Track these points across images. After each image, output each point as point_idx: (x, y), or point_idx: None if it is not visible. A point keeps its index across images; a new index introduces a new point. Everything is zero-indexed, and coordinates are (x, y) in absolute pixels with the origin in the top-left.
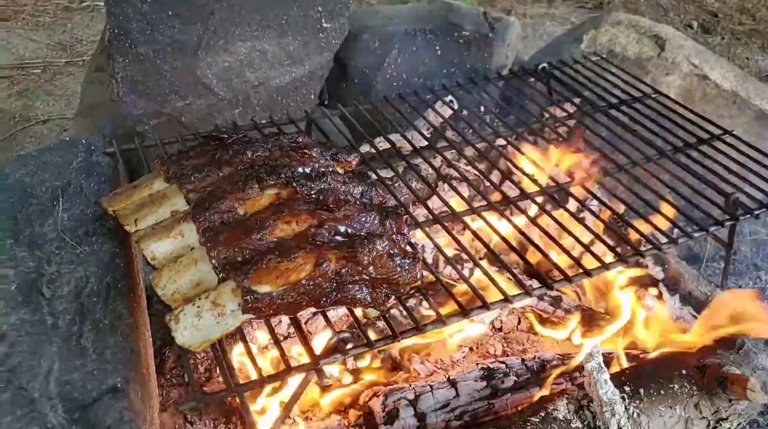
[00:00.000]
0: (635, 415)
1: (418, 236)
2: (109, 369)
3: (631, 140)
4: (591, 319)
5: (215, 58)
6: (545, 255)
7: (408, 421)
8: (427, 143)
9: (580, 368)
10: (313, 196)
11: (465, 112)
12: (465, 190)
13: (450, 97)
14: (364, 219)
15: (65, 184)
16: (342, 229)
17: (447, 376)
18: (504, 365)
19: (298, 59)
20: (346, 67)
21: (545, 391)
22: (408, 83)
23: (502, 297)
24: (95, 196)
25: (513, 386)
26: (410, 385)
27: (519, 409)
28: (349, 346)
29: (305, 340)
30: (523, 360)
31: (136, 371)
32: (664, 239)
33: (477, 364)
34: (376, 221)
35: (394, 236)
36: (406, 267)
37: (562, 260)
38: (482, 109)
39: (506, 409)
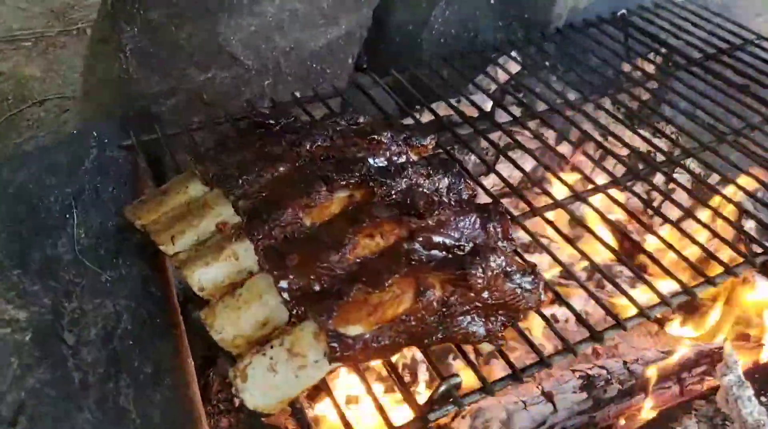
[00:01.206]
0: None
1: None
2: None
3: (731, 101)
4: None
5: (240, 21)
6: (684, 258)
7: None
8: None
9: (689, 367)
10: (394, 197)
11: (526, 72)
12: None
13: (514, 52)
14: (462, 224)
15: (77, 190)
16: (437, 240)
17: (541, 388)
18: (605, 371)
19: (332, 18)
20: (385, 24)
21: (650, 401)
22: (458, 41)
23: (637, 311)
24: (115, 204)
25: (617, 394)
26: (500, 402)
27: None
28: (462, 392)
29: (406, 388)
30: (624, 362)
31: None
32: None
33: (573, 371)
34: (477, 226)
35: (500, 244)
36: (528, 287)
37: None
38: (547, 64)
39: (608, 421)
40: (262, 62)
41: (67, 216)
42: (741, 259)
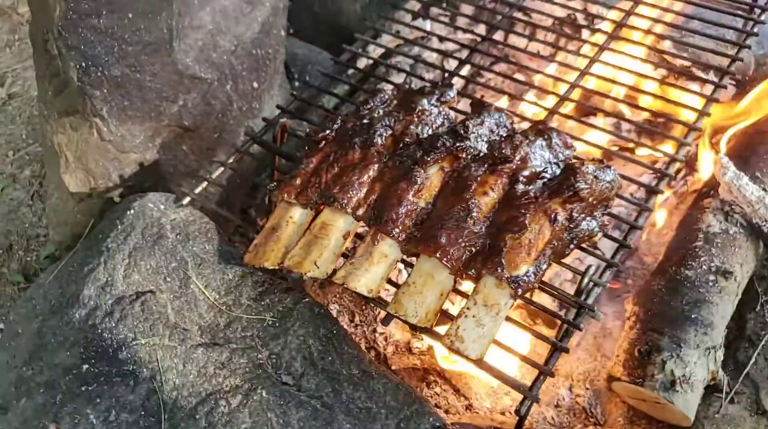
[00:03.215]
0: None
1: None
2: (399, 408)
3: None
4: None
5: (188, 41)
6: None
7: None
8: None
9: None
10: (472, 152)
11: None
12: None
13: None
14: (537, 152)
15: (180, 260)
16: (531, 172)
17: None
18: (621, 207)
19: (257, 1)
20: None
21: (662, 212)
22: None
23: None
24: (221, 258)
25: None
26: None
27: (672, 240)
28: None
29: (559, 291)
30: (631, 194)
31: (416, 393)
32: None
33: None
34: (545, 146)
35: (567, 152)
36: (611, 177)
37: None
38: None
39: (636, 243)
40: (218, 70)
41: (191, 287)
42: None
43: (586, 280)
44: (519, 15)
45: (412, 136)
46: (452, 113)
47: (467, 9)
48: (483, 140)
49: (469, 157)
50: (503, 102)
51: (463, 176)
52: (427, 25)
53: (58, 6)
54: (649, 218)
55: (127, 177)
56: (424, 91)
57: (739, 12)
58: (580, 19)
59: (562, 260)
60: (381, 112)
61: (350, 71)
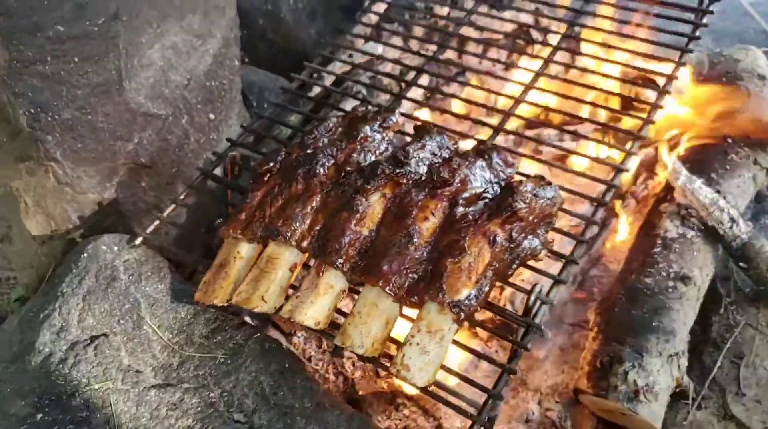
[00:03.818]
0: (724, 198)
1: None
2: None
3: None
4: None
5: (138, 80)
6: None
7: (542, 310)
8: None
9: (633, 182)
10: (413, 177)
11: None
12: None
13: None
14: (477, 173)
15: (133, 302)
16: (471, 194)
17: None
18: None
19: (207, 34)
20: (247, 13)
21: (623, 218)
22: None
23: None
24: (174, 297)
25: (598, 232)
26: (523, 280)
27: (632, 247)
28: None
29: (505, 311)
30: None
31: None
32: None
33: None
34: (485, 168)
35: (508, 172)
36: (551, 195)
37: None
38: None
39: (599, 252)
40: (172, 106)
41: (143, 328)
42: None
43: (532, 298)
44: (470, 32)
45: (355, 165)
46: (395, 139)
47: (419, 31)
48: (424, 164)
49: (410, 182)
50: (452, 123)
51: (404, 202)
52: (379, 48)
53: (1, 56)
54: (610, 226)
55: (87, 217)
56: (367, 117)
57: (685, 17)
58: (535, 33)
59: (511, 279)
60: (325, 141)
61: (302, 99)
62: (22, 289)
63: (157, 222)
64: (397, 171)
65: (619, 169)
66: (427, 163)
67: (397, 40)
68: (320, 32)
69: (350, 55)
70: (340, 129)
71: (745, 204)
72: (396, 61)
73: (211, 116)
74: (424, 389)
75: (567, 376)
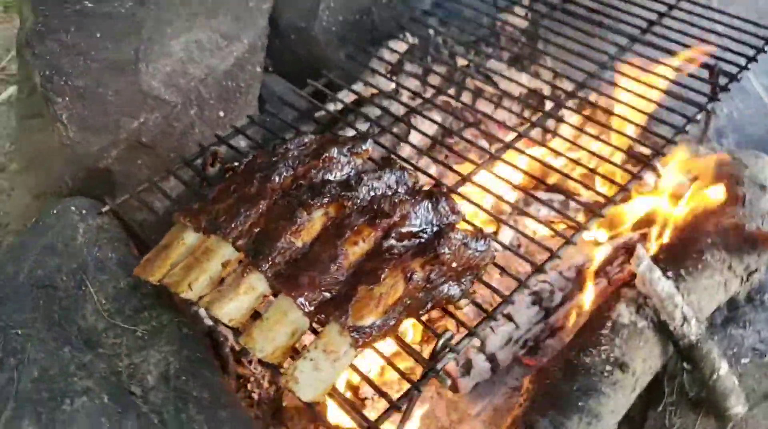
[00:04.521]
0: (686, 295)
1: None
2: None
3: (596, 32)
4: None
5: (155, 65)
6: (586, 185)
7: (482, 366)
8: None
9: (610, 262)
10: (360, 203)
11: (416, 41)
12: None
13: (404, 32)
14: (419, 212)
15: (81, 263)
16: (406, 230)
17: (502, 313)
18: (547, 284)
19: (234, 37)
20: (278, 25)
21: (590, 295)
22: (347, 25)
23: (563, 240)
24: (121, 267)
25: (560, 301)
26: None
27: (583, 326)
28: (455, 340)
29: (412, 349)
30: (560, 273)
31: None
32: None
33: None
34: (430, 209)
35: (452, 218)
36: (483, 249)
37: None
38: (431, 32)
39: (559, 323)
40: (184, 95)
41: (83, 288)
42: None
43: (440, 343)
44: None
45: (309, 180)
46: (363, 166)
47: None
48: (374, 193)
49: (355, 207)
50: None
51: (342, 224)
52: (391, 86)
53: (30, 18)
54: (574, 300)
55: (79, 181)
56: (339, 140)
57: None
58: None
59: (427, 322)
60: (295, 153)
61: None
62: (11, 237)
63: (127, 196)
64: (344, 193)
65: (567, 241)
66: (379, 193)
67: (412, 82)
68: (349, 57)
69: (365, 84)
70: (313, 146)
71: (711, 308)
72: (402, 103)
73: (221, 114)
74: (309, 406)
75: None
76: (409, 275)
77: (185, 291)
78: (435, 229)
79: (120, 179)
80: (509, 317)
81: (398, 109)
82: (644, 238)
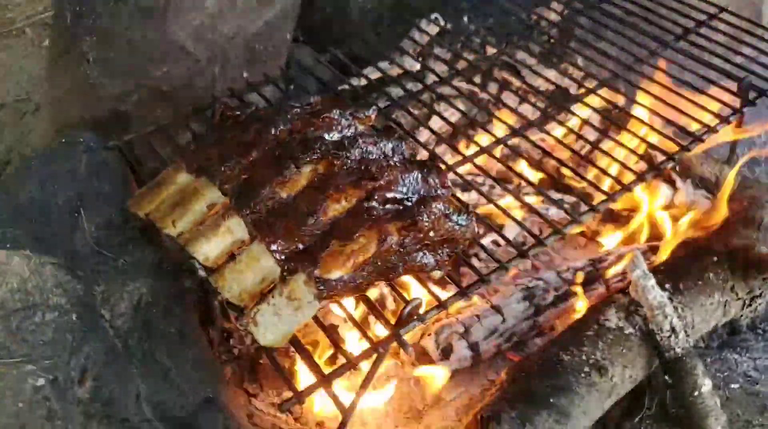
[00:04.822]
0: (680, 310)
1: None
2: (195, 380)
3: (631, 35)
4: (611, 218)
5: (185, 17)
6: (586, 179)
7: (463, 353)
8: (419, 67)
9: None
10: (350, 164)
11: (449, 26)
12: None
13: (435, 14)
14: (408, 180)
15: (80, 192)
16: (390, 196)
17: (490, 303)
18: (542, 281)
19: (268, 0)
20: None
21: (583, 300)
22: (382, 5)
23: (552, 229)
24: (115, 200)
25: (554, 300)
26: (458, 319)
27: (570, 324)
28: (423, 310)
29: (380, 313)
30: (558, 273)
31: (219, 375)
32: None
33: (516, 285)
34: (419, 180)
35: (440, 192)
36: (464, 223)
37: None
38: (465, 19)
39: (549, 323)
40: (210, 51)
41: (77, 215)
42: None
43: (407, 310)
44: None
45: (305, 136)
46: (360, 128)
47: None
48: (367, 157)
49: (345, 167)
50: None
51: (328, 181)
52: (417, 66)
53: None
54: (568, 303)
55: (99, 122)
56: (341, 101)
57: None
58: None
59: (398, 286)
60: (298, 111)
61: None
62: None
63: (134, 135)
64: (335, 152)
65: (557, 231)
66: (372, 157)
67: (440, 67)
68: (382, 38)
69: (390, 63)
70: (318, 107)
71: (707, 327)
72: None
73: (245, 74)
74: (267, 352)
75: (459, 425)
76: (383, 237)
77: (168, 227)
78: (418, 197)
79: (136, 125)
80: (497, 309)
81: (422, 93)
82: (653, 250)
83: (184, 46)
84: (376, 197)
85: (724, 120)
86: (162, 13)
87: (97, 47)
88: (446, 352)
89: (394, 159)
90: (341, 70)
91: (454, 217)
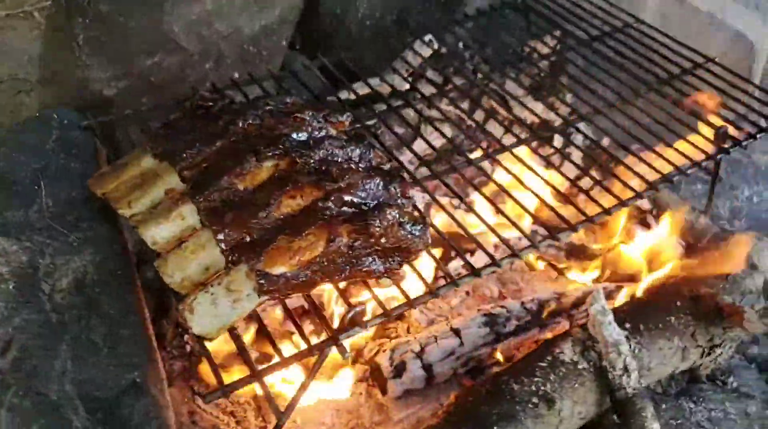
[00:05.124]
0: (636, 350)
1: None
2: (125, 363)
3: (617, 74)
4: (581, 253)
5: (182, 10)
6: (550, 207)
7: (416, 373)
8: (408, 87)
9: (578, 305)
10: (313, 165)
11: (443, 50)
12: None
13: (429, 36)
14: (368, 186)
15: (44, 165)
16: (347, 198)
17: (450, 325)
18: (505, 309)
19: (267, 4)
20: (315, 8)
21: (547, 334)
22: (382, 22)
23: (510, 252)
24: (79, 177)
25: (515, 329)
26: (415, 338)
27: (526, 354)
28: (366, 317)
29: (322, 315)
30: (522, 303)
31: (152, 361)
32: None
33: (478, 310)
34: (380, 187)
35: (400, 201)
36: (417, 233)
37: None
38: (461, 45)
39: (509, 352)
40: (203, 47)
41: (36, 187)
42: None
43: (350, 315)
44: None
45: (271, 132)
46: (332, 132)
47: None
48: (329, 158)
49: (307, 166)
50: None
51: (287, 177)
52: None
53: None
54: (532, 332)
55: (81, 102)
56: (317, 105)
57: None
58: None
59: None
60: (272, 108)
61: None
62: None
63: (109, 117)
64: (298, 150)
65: (514, 254)
66: (337, 160)
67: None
68: (378, 55)
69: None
70: (294, 108)
71: (664, 371)
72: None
73: (236, 75)
74: (199, 341)
75: None
76: (332, 237)
77: (123, 208)
78: (376, 203)
79: (119, 110)
80: (456, 332)
81: (409, 114)
82: (618, 289)
83: (177, 40)
84: (332, 198)
85: (696, 164)
86: (160, 4)
87: (88, 29)
88: (399, 370)
89: (360, 165)
90: (331, 81)
91: (408, 226)
